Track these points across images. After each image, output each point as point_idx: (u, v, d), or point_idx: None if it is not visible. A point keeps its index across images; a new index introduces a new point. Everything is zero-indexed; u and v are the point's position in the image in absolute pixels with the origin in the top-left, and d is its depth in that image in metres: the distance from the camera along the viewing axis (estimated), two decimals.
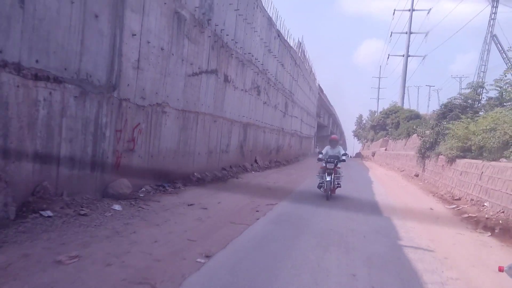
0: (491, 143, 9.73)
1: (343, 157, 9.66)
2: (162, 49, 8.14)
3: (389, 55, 55.53)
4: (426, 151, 16.04)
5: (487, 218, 7.68)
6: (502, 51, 33.20)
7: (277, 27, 19.02)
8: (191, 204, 7.04)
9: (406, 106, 41.94)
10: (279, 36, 19.53)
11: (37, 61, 4.95)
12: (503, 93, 12.78)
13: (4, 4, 4.48)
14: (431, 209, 9.26)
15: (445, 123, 14.36)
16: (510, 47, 15.21)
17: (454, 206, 9.59)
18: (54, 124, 5.34)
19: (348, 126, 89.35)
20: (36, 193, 4.97)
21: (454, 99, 16.07)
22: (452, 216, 8.52)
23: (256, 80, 16.03)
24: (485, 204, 8.77)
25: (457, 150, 11.95)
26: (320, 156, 9.58)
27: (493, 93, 13.95)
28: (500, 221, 7.24)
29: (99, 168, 6.45)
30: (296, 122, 28.07)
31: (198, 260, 4.09)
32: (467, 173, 10.67)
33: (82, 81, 5.82)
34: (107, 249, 4.13)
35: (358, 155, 48.96)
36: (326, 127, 56.80)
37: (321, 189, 9.26)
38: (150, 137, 8.05)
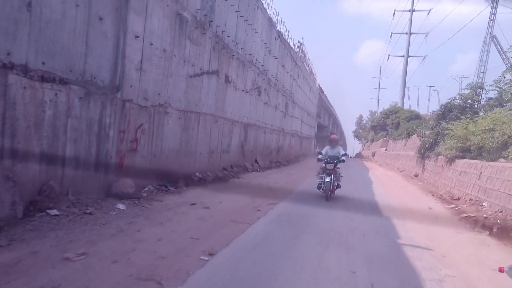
0: (490, 144, 9.83)
1: (343, 158, 9.60)
2: (164, 50, 8.25)
3: (389, 55, 55.53)
4: (425, 151, 16.14)
5: (485, 218, 7.78)
6: (502, 52, 33.29)
7: (278, 28, 19.13)
8: (193, 204, 7.14)
9: (406, 107, 42.06)
10: (279, 37, 19.63)
11: (43, 63, 5.06)
12: (502, 94, 12.88)
13: (12, 8, 4.58)
14: (430, 209, 9.36)
15: (445, 123, 14.45)
16: (509, 48, 15.28)
17: (453, 206, 9.68)
18: (60, 124, 5.44)
19: (348, 126, 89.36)
20: (42, 192, 5.08)
21: (454, 99, 16.18)
22: (451, 215, 8.62)
23: (257, 81, 16.14)
24: (484, 203, 8.87)
25: (457, 151, 12.05)
26: (320, 156, 9.53)
27: (493, 94, 14.08)
28: (498, 221, 7.34)
29: (103, 168, 6.55)
30: (297, 123, 28.17)
31: (202, 257, 4.20)
32: (466, 173, 10.77)
33: (86, 82, 5.93)
34: (113, 246, 4.24)
35: (358, 155, 49.05)
36: (326, 128, 56.89)
37: (321, 189, 9.21)
38: (153, 138, 8.15)
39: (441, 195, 11.70)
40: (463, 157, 11.61)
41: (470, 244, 6.06)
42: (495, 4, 33.72)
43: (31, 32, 4.84)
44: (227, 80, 12.50)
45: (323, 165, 9.18)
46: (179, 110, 9.23)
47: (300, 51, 27.31)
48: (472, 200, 9.71)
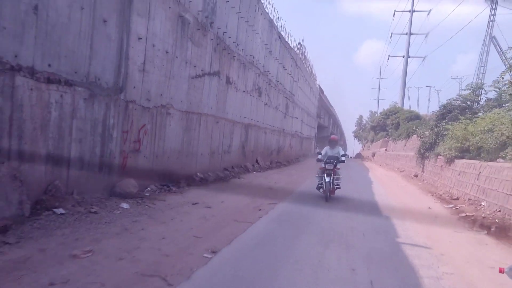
0: (489, 144, 9.92)
1: (343, 158, 9.57)
2: (166, 52, 8.36)
3: (389, 56, 55.37)
4: (425, 151, 16.23)
5: (483, 217, 7.86)
6: (501, 53, 33.38)
7: (278, 29, 19.23)
8: (195, 203, 7.24)
9: (406, 107, 42.15)
10: (280, 37, 19.74)
11: (49, 65, 5.17)
12: (501, 95, 12.97)
13: (19, 11, 4.69)
14: (429, 208, 9.45)
15: (444, 124, 14.54)
16: (508, 49, 15.38)
17: (452, 205, 9.77)
18: (65, 125, 5.55)
19: (348, 126, 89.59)
20: (48, 192, 5.18)
21: (453, 100, 16.25)
22: (450, 215, 8.71)
23: (258, 82, 16.24)
24: (482, 203, 8.96)
25: (456, 151, 12.13)
26: (319, 156, 9.50)
27: (492, 94, 14.16)
28: (497, 220, 7.43)
29: (107, 168, 6.66)
30: (297, 123, 28.27)
31: (205, 255, 4.30)
32: (465, 173, 10.87)
33: (91, 84, 6.03)
34: (118, 244, 4.34)
35: (358, 155, 49.13)
36: (327, 128, 56.95)
37: (320, 190, 9.20)
38: (155, 138, 8.25)
39: (441, 195, 11.79)
40: (462, 158, 11.70)
41: (468, 243, 6.15)
42: (494, 5, 33.85)
43: (38, 35, 4.95)
44: (228, 81, 12.60)
45: (323, 165, 9.15)
46: (181, 111, 9.34)
47: (301, 52, 27.41)
48: (471, 199, 9.80)
